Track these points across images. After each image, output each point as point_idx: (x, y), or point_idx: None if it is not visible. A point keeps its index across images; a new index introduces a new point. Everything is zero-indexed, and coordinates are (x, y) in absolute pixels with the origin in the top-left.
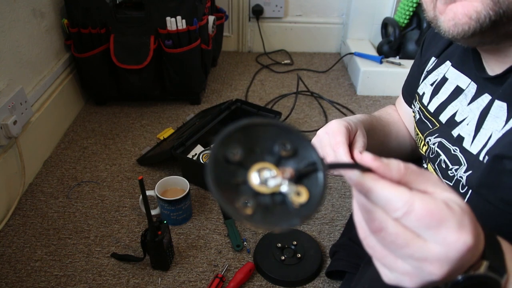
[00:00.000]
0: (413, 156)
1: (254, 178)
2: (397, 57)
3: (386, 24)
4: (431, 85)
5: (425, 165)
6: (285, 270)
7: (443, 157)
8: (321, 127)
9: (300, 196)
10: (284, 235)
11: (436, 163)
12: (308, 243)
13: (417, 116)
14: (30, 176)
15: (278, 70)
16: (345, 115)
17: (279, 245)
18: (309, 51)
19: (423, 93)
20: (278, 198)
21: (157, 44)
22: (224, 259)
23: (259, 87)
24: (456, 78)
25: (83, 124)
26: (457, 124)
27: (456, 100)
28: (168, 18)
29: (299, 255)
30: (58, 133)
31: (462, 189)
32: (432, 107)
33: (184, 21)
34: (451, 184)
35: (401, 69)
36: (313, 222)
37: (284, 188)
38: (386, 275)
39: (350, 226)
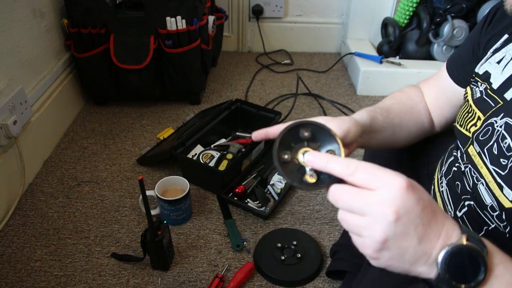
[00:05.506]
0: (431, 133)
1: (300, 154)
2: (397, 57)
3: (386, 24)
4: (497, 63)
5: (460, 149)
6: (285, 270)
7: (508, 141)
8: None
9: (311, 178)
10: (284, 235)
11: (487, 147)
12: (308, 243)
13: (477, 95)
14: (30, 176)
15: (278, 70)
16: (345, 114)
17: (279, 245)
18: (309, 51)
19: (485, 72)
20: (301, 170)
21: (157, 44)
22: (224, 259)
23: (259, 87)
24: None
25: (83, 124)
26: None
27: None
28: (168, 18)
29: (299, 255)
30: (58, 133)
31: None
32: (496, 84)
33: (184, 21)
34: (503, 174)
35: (401, 69)
36: (313, 222)
37: (307, 169)
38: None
39: None
